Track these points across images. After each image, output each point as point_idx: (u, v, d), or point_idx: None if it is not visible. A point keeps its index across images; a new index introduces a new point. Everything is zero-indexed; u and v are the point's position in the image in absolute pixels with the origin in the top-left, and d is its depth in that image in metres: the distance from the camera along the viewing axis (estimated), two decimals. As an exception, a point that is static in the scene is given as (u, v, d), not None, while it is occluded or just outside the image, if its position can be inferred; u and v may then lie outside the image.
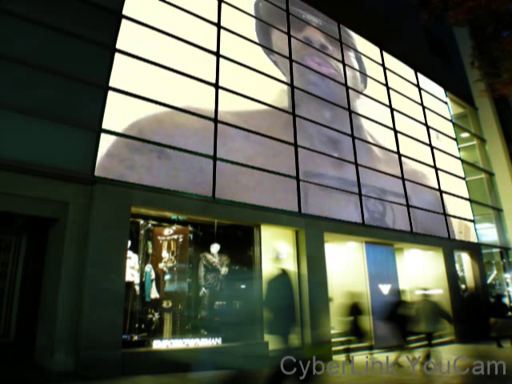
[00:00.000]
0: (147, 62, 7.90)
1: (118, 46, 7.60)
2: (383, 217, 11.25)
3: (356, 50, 13.19)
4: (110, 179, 6.76)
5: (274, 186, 9.03)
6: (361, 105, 12.39)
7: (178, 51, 8.47)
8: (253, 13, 10.38)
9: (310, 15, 12.04)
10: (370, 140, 12.11)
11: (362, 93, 12.59)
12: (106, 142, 6.94)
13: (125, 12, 7.92)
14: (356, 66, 12.95)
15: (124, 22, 7.85)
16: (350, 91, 12.16)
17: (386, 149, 12.46)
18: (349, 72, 12.45)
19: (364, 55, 13.42)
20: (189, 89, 8.36)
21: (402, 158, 12.84)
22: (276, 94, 10.05)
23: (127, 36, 7.80)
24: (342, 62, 12.36)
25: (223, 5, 9.73)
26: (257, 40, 10.15)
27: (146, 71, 7.86)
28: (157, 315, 7.39)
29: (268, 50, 10.37)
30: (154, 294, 7.43)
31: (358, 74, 12.85)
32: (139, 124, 7.43)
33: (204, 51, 8.91)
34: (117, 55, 7.52)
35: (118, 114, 7.23)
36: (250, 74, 9.64)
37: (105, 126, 6.99)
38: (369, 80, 13.16)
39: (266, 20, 10.66)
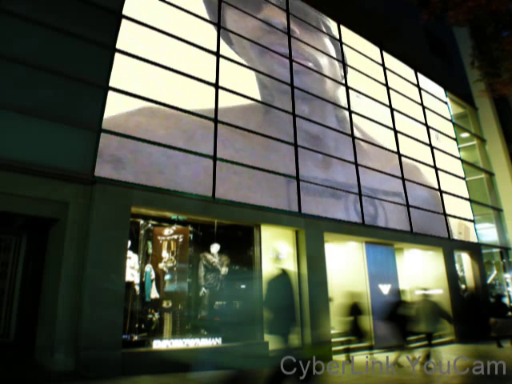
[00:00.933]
0: (147, 62, 7.90)
1: (118, 46, 7.60)
2: (375, 218, 11.06)
3: (331, 36, 12.51)
4: (110, 179, 6.76)
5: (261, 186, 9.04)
6: (343, 95, 11.94)
7: (178, 51, 8.47)
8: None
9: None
10: (357, 133, 11.73)
11: (353, 88, 12.30)
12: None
13: (125, 12, 7.93)
14: (332, 51, 12.27)
15: (124, 21, 7.86)
16: (329, 82, 11.57)
17: (383, 148, 12.46)
18: (325, 60, 11.82)
19: (343, 43, 13.07)
20: (189, 88, 8.37)
21: (395, 154, 12.73)
22: (249, 89, 9.50)
23: (127, 36, 7.80)
24: (342, 61, 12.36)
25: (223, 5, 9.73)
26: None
27: (146, 71, 7.86)
28: (157, 315, 7.39)
29: (226, 33, 9.53)
30: (154, 294, 7.43)
31: (335, 61, 12.19)
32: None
33: (204, 51, 8.92)
34: (117, 55, 7.52)
35: (118, 113, 7.24)
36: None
37: (105, 126, 6.99)
38: (369, 80, 13.15)
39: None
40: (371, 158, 11.87)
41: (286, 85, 10.33)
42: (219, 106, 8.73)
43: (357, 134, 11.80)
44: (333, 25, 12.74)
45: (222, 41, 9.40)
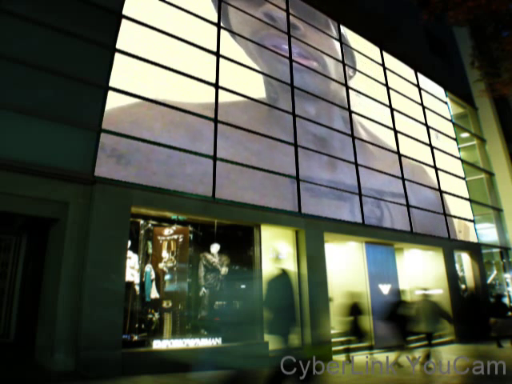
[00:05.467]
0: (147, 62, 7.90)
1: (118, 46, 7.60)
2: (380, 220, 11.22)
3: (338, 39, 12.64)
4: (110, 179, 6.76)
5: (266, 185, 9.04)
6: (350, 96, 12.05)
7: (178, 51, 8.47)
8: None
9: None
10: (364, 134, 11.94)
11: (354, 89, 12.49)
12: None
13: (125, 12, 7.93)
14: (338, 51, 12.44)
15: (124, 21, 7.86)
16: (332, 83, 11.69)
17: (384, 148, 12.46)
18: (331, 61, 11.96)
19: (349, 46, 13.39)
20: (189, 88, 8.37)
21: (399, 155, 12.83)
22: (254, 85, 9.58)
23: (127, 36, 7.80)
24: (342, 62, 12.36)
25: (223, 5, 9.73)
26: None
27: (147, 71, 7.86)
28: (157, 315, 7.39)
29: (231, 32, 9.66)
30: (154, 294, 7.43)
31: (339, 62, 12.25)
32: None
33: (204, 51, 8.91)
34: (117, 55, 7.52)
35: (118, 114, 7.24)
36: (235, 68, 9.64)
37: (105, 125, 6.99)
38: (369, 80, 13.15)
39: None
40: (376, 159, 11.96)
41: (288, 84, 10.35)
42: (223, 100, 8.78)
43: (364, 136, 11.90)
44: (335, 25, 12.76)
45: (227, 35, 9.42)
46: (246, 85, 9.43)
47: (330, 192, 10.17)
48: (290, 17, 11.32)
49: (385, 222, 11.29)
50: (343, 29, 12.96)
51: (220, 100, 8.76)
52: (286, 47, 10.84)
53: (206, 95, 8.62)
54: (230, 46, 9.51)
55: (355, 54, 13.09)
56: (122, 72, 7.51)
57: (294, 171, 9.54)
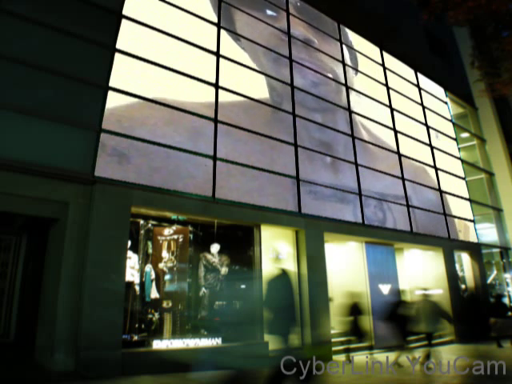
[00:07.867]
0: (147, 62, 7.90)
1: (118, 46, 7.60)
2: (384, 220, 11.30)
3: (342, 42, 12.77)
4: (110, 179, 6.76)
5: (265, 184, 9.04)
6: (355, 101, 12.19)
7: (178, 51, 8.47)
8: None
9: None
10: (366, 136, 12.02)
11: (357, 91, 12.56)
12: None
13: (125, 12, 7.93)
14: (346, 55, 12.61)
15: (124, 21, 7.85)
16: (336, 85, 11.80)
17: (384, 148, 12.46)
18: (336, 67, 12.07)
19: (354, 49, 13.43)
20: (188, 88, 8.37)
21: (403, 157, 12.87)
22: (255, 86, 9.62)
23: (127, 36, 7.80)
24: (342, 62, 12.36)
25: (223, 5, 9.73)
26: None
27: (146, 71, 7.86)
28: (157, 315, 7.39)
29: (235, 35, 9.70)
30: (154, 294, 7.43)
31: (341, 65, 12.34)
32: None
33: (204, 51, 8.91)
34: (117, 55, 7.52)
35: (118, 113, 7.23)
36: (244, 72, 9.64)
37: (105, 126, 6.99)
38: (369, 80, 13.14)
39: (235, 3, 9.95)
40: (379, 161, 12.03)
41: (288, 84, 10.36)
42: (224, 100, 8.79)
43: (366, 137, 11.99)
44: (335, 25, 12.77)
45: (228, 37, 9.47)
46: (247, 85, 9.43)
47: (333, 195, 10.20)
48: (290, 17, 11.33)
49: (387, 223, 11.32)
50: (346, 30, 12.99)
51: (220, 100, 8.76)
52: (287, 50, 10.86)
53: (206, 95, 8.62)
54: (231, 47, 9.52)
55: (357, 55, 13.14)
56: (122, 72, 7.51)
57: (295, 171, 9.55)
